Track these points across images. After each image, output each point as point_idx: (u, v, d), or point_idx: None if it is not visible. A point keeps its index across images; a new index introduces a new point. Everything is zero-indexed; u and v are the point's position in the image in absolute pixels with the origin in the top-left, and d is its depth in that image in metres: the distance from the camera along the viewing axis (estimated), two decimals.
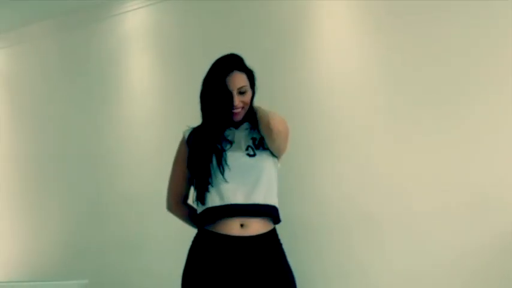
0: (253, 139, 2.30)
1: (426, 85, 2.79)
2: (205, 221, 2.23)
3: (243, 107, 2.27)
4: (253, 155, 2.25)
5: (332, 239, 2.94)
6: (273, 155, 2.31)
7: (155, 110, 3.75)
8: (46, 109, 4.32)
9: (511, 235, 2.50)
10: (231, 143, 2.28)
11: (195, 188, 2.26)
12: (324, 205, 2.98)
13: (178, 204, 2.43)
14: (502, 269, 2.52)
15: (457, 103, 2.71)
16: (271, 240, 2.25)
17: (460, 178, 2.66)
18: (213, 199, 2.21)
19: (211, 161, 2.22)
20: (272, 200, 2.26)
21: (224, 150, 2.24)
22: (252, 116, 2.33)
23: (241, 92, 2.26)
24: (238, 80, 2.25)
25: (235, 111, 2.25)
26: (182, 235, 3.44)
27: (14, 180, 4.43)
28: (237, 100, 2.24)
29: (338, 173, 2.97)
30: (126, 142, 3.85)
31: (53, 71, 4.33)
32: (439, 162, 2.72)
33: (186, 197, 2.43)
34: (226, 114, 2.25)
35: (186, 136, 2.35)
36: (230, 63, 2.27)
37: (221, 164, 2.21)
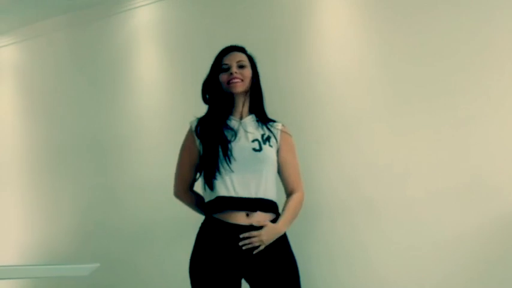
0: (262, 135, 2.29)
1: (422, 77, 2.80)
2: (213, 209, 2.23)
3: (242, 80, 2.27)
4: (259, 150, 2.23)
5: (335, 223, 2.96)
6: (276, 153, 2.31)
7: (162, 101, 3.78)
8: (58, 101, 4.36)
9: (502, 218, 2.53)
10: (235, 132, 2.26)
11: (203, 175, 2.26)
12: (327, 191, 3.00)
13: (185, 191, 2.43)
14: (494, 250, 2.55)
15: (451, 94, 2.72)
16: None
17: (453, 165, 2.68)
18: (221, 188, 2.21)
19: (217, 150, 2.21)
20: (273, 196, 2.27)
21: (229, 141, 2.22)
22: (258, 108, 2.33)
23: (241, 66, 2.29)
24: (237, 56, 2.30)
25: (234, 81, 2.26)
26: (190, 221, 3.46)
27: (28, 169, 4.46)
28: (235, 69, 2.27)
29: (339, 160, 2.99)
30: (134, 132, 3.88)
31: (65, 64, 4.36)
32: (434, 149, 2.73)
33: (193, 184, 2.42)
34: (219, 88, 2.28)
35: (194, 126, 2.35)
36: (230, 46, 2.35)
37: (227, 155, 2.20)
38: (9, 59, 4.69)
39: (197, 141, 2.30)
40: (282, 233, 2.21)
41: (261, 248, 2.15)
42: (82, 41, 4.26)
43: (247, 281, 2.24)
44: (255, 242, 2.14)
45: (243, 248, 2.14)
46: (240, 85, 2.28)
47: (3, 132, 4.66)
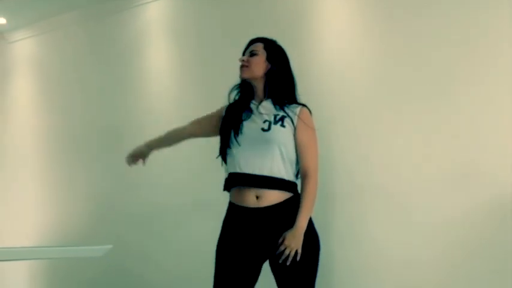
0: (275, 116, 2.27)
1: (418, 70, 2.81)
2: (227, 185, 2.29)
3: (247, 66, 2.31)
4: (267, 130, 2.23)
5: (335, 207, 2.98)
6: (293, 134, 2.27)
7: (172, 90, 3.82)
8: (74, 90, 4.43)
9: (490, 203, 2.56)
10: (251, 111, 2.30)
11: (220, 149, 2.32)
12: (327, 177, 2.96)
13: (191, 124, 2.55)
14: (483, 231, 2.58)
15: (445, 86, 2.72)
16: (287, 209, 2.21)
17: (445, 153, 2.69)
18: (230, 164, 2.27)
19: (231, 127, 2.28)
20: (284, 175, 2.23)
21: (242, 120, 2.27)
22: (275, 93, 2.33)
23: (252, 54, 2.33)
24: (253, 46, 2.36)
25: (241, 67, 2.33)
26: (200, 206, 3.48)
27: (46, 155, 4.53)
28: (244, 57, 2.33)
29: (339, 147, 2.98)
30: (146, 118, 3.93)
31: (81, 55, 4.42)
32: (427, 138, 2.75)
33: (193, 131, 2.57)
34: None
35: (225, 109, 2.42)
36: (253, 38, 2.40)
37: (237, 131, 2.25)
38: (28, 52, 4.75)
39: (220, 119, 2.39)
40: (304, 228, 2.18)
41: (299, 250, 2.15)
42: (97, 34, 4.32)
43: (264, 260, 2.26)
44: (288, 252, 2.14)
45: (280, 261, 2.16)
46: (245, 71, 2.32)
47: (23, 120, 4.71)
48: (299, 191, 2.27)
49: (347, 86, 3.02)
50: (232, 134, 2.24)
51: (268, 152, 2.20)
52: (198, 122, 2.52)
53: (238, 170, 2.21)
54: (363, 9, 3.02)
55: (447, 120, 2.70)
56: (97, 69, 4.26)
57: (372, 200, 2.87)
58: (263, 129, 2.22)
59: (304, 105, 2.33)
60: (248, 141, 2.22)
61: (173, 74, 3.82)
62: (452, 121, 2.69)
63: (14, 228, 4.58)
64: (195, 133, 2.57)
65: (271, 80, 2.32)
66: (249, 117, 2.28)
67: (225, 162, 2.29)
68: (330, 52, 3.10)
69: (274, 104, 2.29)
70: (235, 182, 2.23)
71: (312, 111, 2.37)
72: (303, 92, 3.09)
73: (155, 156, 3.82)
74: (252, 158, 2.20)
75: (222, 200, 2.34)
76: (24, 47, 4.75)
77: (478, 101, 2.63)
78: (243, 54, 2.37)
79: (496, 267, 2.52)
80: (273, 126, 2.22)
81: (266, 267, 2.27)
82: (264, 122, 2.24)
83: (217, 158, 2.33)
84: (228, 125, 2.29)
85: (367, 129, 2.92)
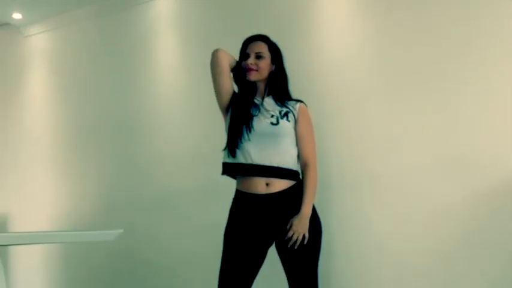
0: (280, 111, 2.36)
1: (415, 62, 2.85)
2: (233, 171, 2.35)
3: (257, 70, 2.37)
4: (276, 124, 2.32)
5: (334, 198, 3.02)
6: (294, 127, 2.38)
7: (179, 82, 3.87)
8: (87, 82, 4.49)
9: (485, 190, 2.60)
10: (258, 107, 2.37)
11: (227, 144, 2.36)
12: (333, 164, 3.04)
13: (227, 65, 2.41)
14: (478, 218, 2.62)
15: (442, 78, 2.77)
16: (294, 193, 2.32)
17: (442, 143, 2.74)
18: (240, 156, 2.31)
19: (242, 123, 2.33)
20: (292, 165, 2.34)
21: (253, 116, 2.34)
22: (277, 91, 2.42)
23: (258, 57, 2.38)
24: (257, 47, 2.40)
25: (249, 71, 2.37)
26: (208, 190, 3.51)
27: (59, 144, 4.58)
28: (252, 60, 2.38)
29: (338, 142, 3.02)
30: (155, 109, 3.99)
31: (93, 50, 4.48)
32: (425, 130, 2.79)
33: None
34: (244, 73, 2.39)
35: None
36: (254, 36, 2.45)
37: (248, 126, 2.31)
38: (42, 45, 4.80)
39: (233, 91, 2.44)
40: (309, 214, 2.28)
41: (306, 235, 2.25)
42: (107, 29, 4.37)
43: (271, 244, 2.34)
44: (296, 236, 2.24)
45: (288, 246, 2.25)
46: (254, 74, 2.39)
47: (38, 111, 4.76)
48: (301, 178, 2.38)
49: (346, 85, 3.06)
50: (245, 129, 2.31)
51: (278, 145, 2.30)
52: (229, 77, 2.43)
53: (249, 161, 2.29)
54: (363, 9, 3.06)
55: (444, 112, 2.74)
56: (107, 63, 4.31)
57: (370, 191, 2.92)
58: (272, 123, 2.32)
59: (301, 101, 2.44)
60: (259, 134, 2.30)
61: (181, 68, 3.88)
62: (450, 112, 2.72)
63: (29, 213, 4.64)
64: (226, 73, 2.40)
65: (273, 79, 2.42)
66: (257, 112, 2.35)
67: (233, 156, 2.32)
68: (330, 51, 3.14)
69: (276, 100, 2.40)
70: (247, 172, 2.30)
71: (312, 108, 2.45)
72: (303, 90, 3.14)
73: (164, 142, 3.89)
74: (262, 150, 2.29)
75: (231, 183, 2.40)
76: (39, 41, 4.80)
77: (473, 95, 2.67)
78: (244, 52, 2.40)
79: (492, 255, 2.56)
80: (280, 120, 2.33)
81: (271, 251, 2.34)
82: (272, 116, 2.34)
83: (223, 150, 2.38)
84: (239, 120, 2.34)
85: (366, 124, 2.96)
